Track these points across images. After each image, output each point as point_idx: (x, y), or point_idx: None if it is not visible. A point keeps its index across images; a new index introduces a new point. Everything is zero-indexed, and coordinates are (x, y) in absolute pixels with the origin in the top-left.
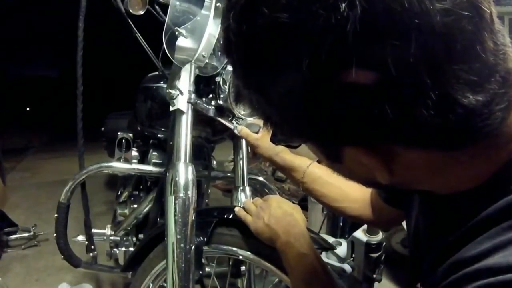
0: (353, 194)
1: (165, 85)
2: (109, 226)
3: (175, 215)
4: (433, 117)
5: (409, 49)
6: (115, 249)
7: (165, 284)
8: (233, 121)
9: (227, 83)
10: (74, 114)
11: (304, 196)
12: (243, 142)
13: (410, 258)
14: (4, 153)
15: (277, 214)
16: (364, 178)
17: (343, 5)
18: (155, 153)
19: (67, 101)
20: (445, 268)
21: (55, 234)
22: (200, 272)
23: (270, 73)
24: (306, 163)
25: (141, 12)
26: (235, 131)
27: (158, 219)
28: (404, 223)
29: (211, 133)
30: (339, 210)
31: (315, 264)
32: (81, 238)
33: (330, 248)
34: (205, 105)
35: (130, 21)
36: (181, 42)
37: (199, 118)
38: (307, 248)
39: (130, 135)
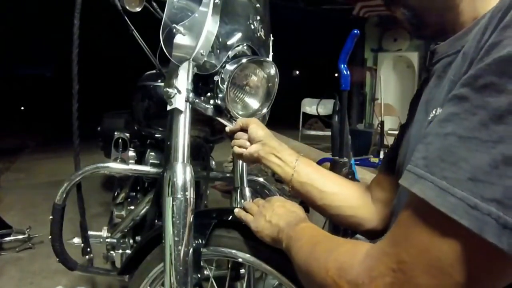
0: (349, 186)
1: (162, 84)
2: (105, 228)
3: (172, 217)
4: None
5: None
6: (111, 252)
7: None
8: (232, 121)
9: (226, 82)
10: (70, 113)
11: None
12: None
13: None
14: None
15: (280, 211)
16: None
17: None
18: (153, 153)
19: (63, 100)
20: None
21: (50, 236)
22: (199, 275)
23: None
24: (297, 153)
25: (138, 9)
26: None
27: (156, 221)
28: None
29: (210, 132)
30: (333, 203)
31: (321, 232)
32: (76, 240)
33: None
34: (204, 104)
35: (126, 18)
36: (179, 39)
37: (198, 117)
38: (312, 224)
39: (127, 135)
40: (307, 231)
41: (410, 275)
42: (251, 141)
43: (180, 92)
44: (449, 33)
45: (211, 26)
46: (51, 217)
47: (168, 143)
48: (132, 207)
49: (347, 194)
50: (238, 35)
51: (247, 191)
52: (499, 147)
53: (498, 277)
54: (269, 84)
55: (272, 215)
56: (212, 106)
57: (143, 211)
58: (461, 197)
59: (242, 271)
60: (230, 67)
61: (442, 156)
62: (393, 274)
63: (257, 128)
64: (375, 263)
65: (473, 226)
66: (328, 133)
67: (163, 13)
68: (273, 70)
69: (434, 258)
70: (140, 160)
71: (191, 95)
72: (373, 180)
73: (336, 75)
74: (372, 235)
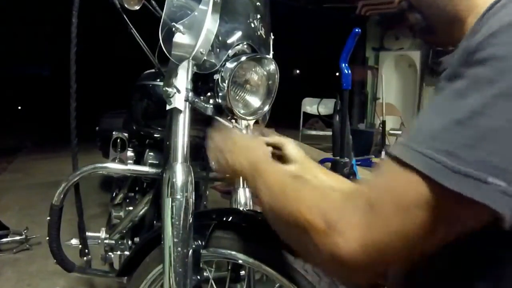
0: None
1: (161, 83)
2: (103, 229)
3: (172, 218)
4: None
5: None
6: (110, 253)
7: None
8: (232, 120)
9: (226, 81)
10: (68, 113)
11: None
12: None
13: None
14: None
15: (241, 146)
16: None
17: None
18: (151, 154)
19: (60, 99)
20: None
21: (47, 238)
22: (198, 277)
23: None
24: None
25: (137, 7)
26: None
27: (155, 222)
28: None
29: None
30: None
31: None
32: (74, 241)
33: None
34: (203, 103)
35: (125, 16)
36: (178, 38)
37: (197, 117)
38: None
39: (126, 134)
40: (273, 174)
41: (378, 211)
42: (287, 160)
43: (180, 92)
44: (455, 44)
45: (211, 24)
46: (48, 218)
47: (167, 143)
48: (131, 208)
49: None
50: (238, 34)
51: (247, 191)
52: (453, 114)
53: (457, 221)
54: (270, 82)
55: (233, 151)
56: (211, 106)
57: (141, 212)
58: (420, 151)
59: (242, 272)
60: (230, 65)
61: (411, 131)
62: (362, 211)
63: (295, 148)
64: (345, 203)
65: (428, 171)
66: (329, 133)
67: (162, 11)
68: (273, 67)
69: (401, 195)
70: (138, 160)
71: (190, 94)
72: None
73: (337, 74)
74: None
